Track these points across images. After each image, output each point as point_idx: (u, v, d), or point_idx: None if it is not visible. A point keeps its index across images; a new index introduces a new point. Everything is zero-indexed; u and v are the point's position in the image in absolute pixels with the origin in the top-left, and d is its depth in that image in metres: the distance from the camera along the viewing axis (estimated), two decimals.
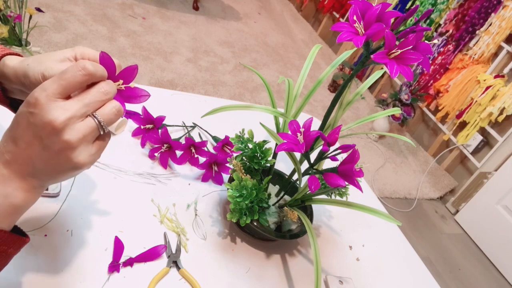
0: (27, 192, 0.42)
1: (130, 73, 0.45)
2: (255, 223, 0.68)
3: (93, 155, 0.43)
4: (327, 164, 0.61)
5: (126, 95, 0.46)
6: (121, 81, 0.45)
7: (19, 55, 0.52)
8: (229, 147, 0.82)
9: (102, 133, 0.43)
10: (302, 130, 0.59)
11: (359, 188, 0.57)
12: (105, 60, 0.44)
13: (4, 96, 0.53)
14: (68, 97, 0.42)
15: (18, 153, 0.41)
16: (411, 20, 2.24)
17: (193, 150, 0.79)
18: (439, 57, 2.67)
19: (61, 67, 0.46)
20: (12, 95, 0.53)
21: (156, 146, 0.78)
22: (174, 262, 0.63)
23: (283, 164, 0.90)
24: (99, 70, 0.43)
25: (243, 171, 0.70)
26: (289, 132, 0.60)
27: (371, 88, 3.22)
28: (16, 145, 0.41)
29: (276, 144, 0.66)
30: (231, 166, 0.77)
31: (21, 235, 0.44)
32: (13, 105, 0.55)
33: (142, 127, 0.79)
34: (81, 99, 0.41)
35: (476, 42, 2.49)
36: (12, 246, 0.43)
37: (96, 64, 0.43)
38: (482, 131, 2.44)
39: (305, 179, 0.61)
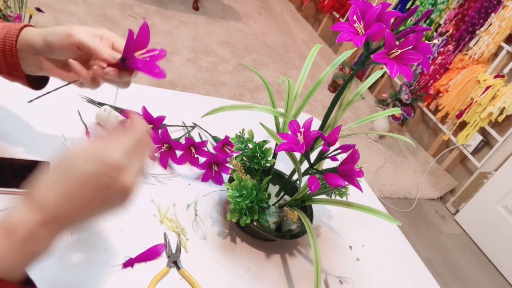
0: (52, 243, 0.40)
1: (144, 35, 0.51)
2: (255, 223, 0.68)
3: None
4: (327, 164, 0.61)
5: (148, 67, 0.52)
6: (143, 51, 0.51)
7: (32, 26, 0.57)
8: (229, 147, 0.82)
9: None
10: (302, 130, 0.59)
11: (359, 188, 0.57)
12: (131, 40, 0.49)
13: (21, 71, 0.57)
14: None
15: (69, 211, 0.39)
16: (411, 20, 2.24)
17: (193, 150, 0.79)
18: (439, 57, 2.66)
19: (92, 39, 0.52)
20: (28, 71, 0.58)
21: (156, 146, 0.78)
22: (174, 262, 0.63)
23: (283, 164, 0.90)
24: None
25: (243, 171, 0.70)
26: (289, 132, 0.60)
27: (371, 88, 3.22)
28: (71, 203, 0.39)
29: (276, 144, 0.66)
30: (231, 166, 0.77)
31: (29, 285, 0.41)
32: (28, 79, 0.59)
33: None
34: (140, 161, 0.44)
35: (476, 42, 2.49)
36: None
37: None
38: (482, 131, 2.44)
39: (305, 179, 0.61)
